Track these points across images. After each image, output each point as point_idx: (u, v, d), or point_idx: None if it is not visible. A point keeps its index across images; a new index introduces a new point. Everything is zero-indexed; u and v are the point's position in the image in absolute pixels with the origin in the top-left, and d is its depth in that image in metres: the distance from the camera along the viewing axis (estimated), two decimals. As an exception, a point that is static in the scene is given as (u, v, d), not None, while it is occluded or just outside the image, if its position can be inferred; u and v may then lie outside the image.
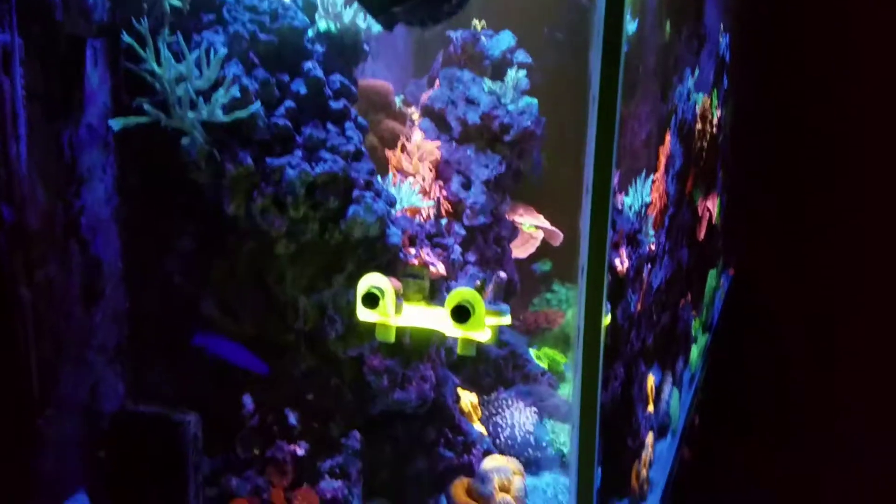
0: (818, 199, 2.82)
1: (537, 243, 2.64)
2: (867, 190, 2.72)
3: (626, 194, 1.59)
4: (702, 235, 2.61)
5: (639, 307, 1.78)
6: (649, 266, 1.83)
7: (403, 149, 2.02)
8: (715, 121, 2.53)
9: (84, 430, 1.71)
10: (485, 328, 1.30)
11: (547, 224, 2.65)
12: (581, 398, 1.26)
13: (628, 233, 1.65)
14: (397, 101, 2.29)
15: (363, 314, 1.34)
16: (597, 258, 1.14)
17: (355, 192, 1.55)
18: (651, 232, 1.82)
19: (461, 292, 1.27)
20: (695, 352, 2.56)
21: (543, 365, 2.46)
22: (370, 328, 1.67)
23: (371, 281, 1.31)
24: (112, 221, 1.76)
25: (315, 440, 1.62)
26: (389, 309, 1.32)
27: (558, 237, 2.66)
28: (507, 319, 1.35)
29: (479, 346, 2.26)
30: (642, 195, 1.70)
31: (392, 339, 1.36)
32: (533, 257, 2.72)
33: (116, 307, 1.78)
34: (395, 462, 1.75)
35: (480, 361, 2.23)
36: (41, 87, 1.59)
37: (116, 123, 1.51)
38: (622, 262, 1.60)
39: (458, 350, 1.32)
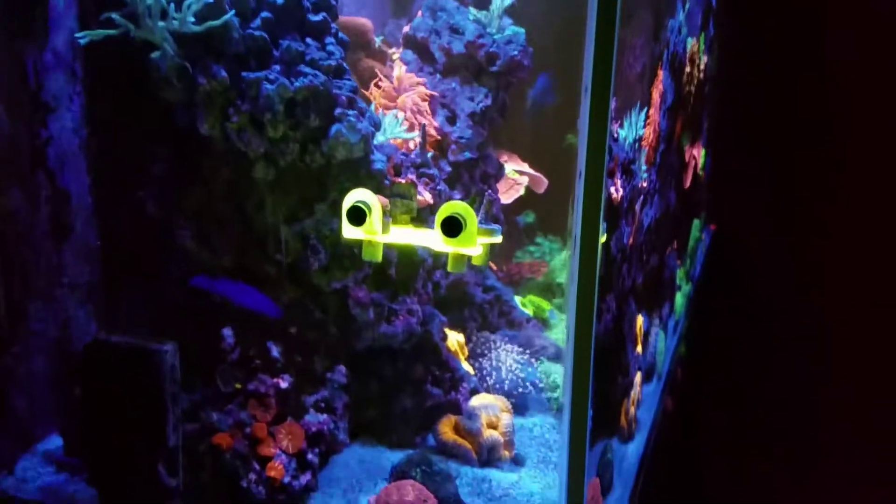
0: (805, 159, 2.78)
1: (521, 189, 2.59)
2: (856, 154, 2.68)
3: (622, 126, 1.55)
4: (688, 183, 2.58)
5: (631, 241, 1.74)
6: (641, 199, 1.79)
7: (378, 86, 1.94)
8: (702, 66, 2.49)
9: (55, 369, 1.65)
10: (476, 244, 1.24)
11: (531, 171, 2.60)
12: (576, 326, 1.21)
13: (623, 162, 1.61)
14: (377, 40, 2.22)
15: (348, 231, 1.27)
16: (595, 162, 1.08)
17: (337, 111, 1.47)
18: (644, 167, 1.79)
19: (452, 205, 1.21)
20: (679, 299, 2.54)
21: (529, 311, 2.42)
22: (355, 259, 1.61)
23: (357, 196, 1.25)
24: (80, 154, 1.68)
25: (299, 374, 1.56)
26: (377, 225, 1.26)
27: (542, 184, 2.61)
28: (498, 238, 1.29)
29: (464, 289, 2.23)
30: (636, 128, 1.66)
31: (379, 258, 1.29)
32: (517, 208, 2.68)
33: (87, 244, 1.71)
34: (381, 398, 1.70)
35: (466, 305, 2.19)
36: (2, 7, 1.51)
37: (83, 37, 1.43)
38: (617, 191, 1.56)
39: (448, 267, 1.25)
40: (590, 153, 1.07)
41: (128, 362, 1.40)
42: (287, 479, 1.48)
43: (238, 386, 1.52)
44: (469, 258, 1.27)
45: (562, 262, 2.71)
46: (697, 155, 2.69)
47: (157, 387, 1.39)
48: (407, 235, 1.30)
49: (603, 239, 1.28)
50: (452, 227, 1.20)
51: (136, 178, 1.61)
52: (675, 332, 2.50)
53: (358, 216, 1.24)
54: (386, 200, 1.29)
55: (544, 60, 2.21)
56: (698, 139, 2.68)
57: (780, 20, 2.74)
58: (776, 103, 2.80)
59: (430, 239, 1.27)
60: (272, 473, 1.47)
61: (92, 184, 1.70)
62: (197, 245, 1.58)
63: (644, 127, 1.74)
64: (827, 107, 2.69)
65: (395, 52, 2.21)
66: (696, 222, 2.83)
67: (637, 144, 1.70)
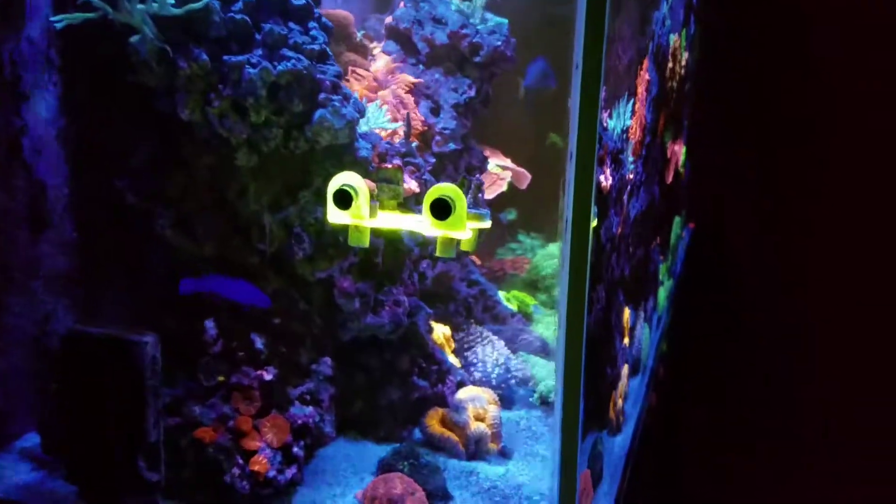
0: (789, 157, 2.78)
1: (504, 185, 2.57)
2: (840, 152, 2.69)
3: (611, 117, 1.54)
4: (670, 179, 2.58)
5: (619, 231, 1.73)
6: (629, 189, 1.78)
7: (356, 78, 1.92)
8: (683, 62, 2.49)
9: (33, 364, 1.60)
10: (466, 227, 1.22)
11: (514, 166, 2.58)
12: (568, 308, 1.19)
13: (612, 150, 1.61)
14: (359, 34, 2.19)
15: (334, 216, 1.25)
16: (586, 142, 1.06)
17: (321, 96, 1.44)
18: (631, 158, 1.78)
19: (441, 187, 1.19)
20: (662, 294, 2.53)
21: (513, 307, 2.41)
22: (340, 248, 1.58)
23: (343, 179, 1.22)
24: (57, 144, 1.64)
25: (284, 366, 1.53)
26: (364, 210, 1.23)
27: (525, 179, 2.60)
28: (487, 223, 1.27)
29: (449, 284, 2.21)
30: (624, 118, 1.65)
31: (366, 243, 1.26)
32: (499, 205, 2.66)
33: (65, 237, 1.67)
34: (367, 390, 1.67)
35: (451, 299, 2.17)
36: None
37: (59, 21, 1.39)
38: (606, 179, 1.55)
39: (437, 251, 1.23)
40: (581, 132, 1.06)
41: (106, 354, 1.36)
42: (272, 473, 1.44)
43: (221, 379, 1.48)
44: (458, 243, 1.25)
45: (543, 258, 2.70)
46: (679, 152, 2.69)
47: (138, 379, 1.35)
48: (395, 220, 1.27)
49: (594, 224, 1.27)
50: (442, 210, 1.18)
51: (115, 167, 1.58)
52: (658, 327, 2.50)
53: (344, 200, 1.22)
54: (373, 185, 1.27)
55: (528, 53, 2.20)
56: (679, 136, 2.69)
57: (764, 17, 2.74)
58: (760, 101, 2.80)
59: (419, 223, 1.25)
60: (256, 467, 1.44)
61: (69, 174, 1.66)
62: (178, 234, 1.54)
63: (631, 118, 1.74)
64: (811, 104, 2.69)
65: (377, 47, 2.19)
66: (676, 219, 2.84)
67: (625, 135, 1.69)
